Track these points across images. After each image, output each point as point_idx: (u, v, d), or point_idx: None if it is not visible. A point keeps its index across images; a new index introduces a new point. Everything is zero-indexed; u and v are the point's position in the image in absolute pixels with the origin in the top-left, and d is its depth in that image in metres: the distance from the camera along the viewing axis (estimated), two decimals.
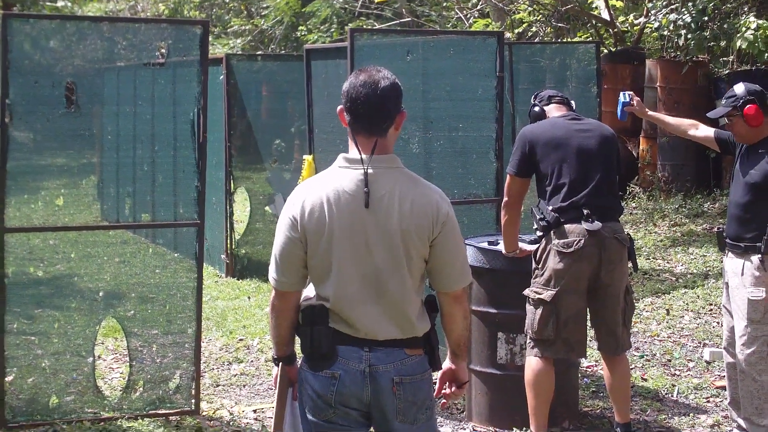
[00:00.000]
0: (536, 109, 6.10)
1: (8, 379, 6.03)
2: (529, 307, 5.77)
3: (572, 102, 6.20)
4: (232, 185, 10.69)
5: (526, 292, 5.79)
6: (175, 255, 7.00)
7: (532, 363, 5.74)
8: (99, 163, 7.42)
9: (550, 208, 5.71)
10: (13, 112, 5.80)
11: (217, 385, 7.13)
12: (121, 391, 6.50)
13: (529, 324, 5.75)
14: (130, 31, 6.40)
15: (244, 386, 7.06)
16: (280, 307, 3.67)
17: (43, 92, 6.05)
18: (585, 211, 5.62)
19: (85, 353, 6.27)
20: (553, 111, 6.03)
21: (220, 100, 10.33)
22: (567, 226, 5.63)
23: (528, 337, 5.80)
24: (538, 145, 5.81)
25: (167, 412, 6.37)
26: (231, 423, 6.32)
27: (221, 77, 10.32)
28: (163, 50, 6.35)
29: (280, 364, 3.75)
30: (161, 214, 7.23)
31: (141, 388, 6.38)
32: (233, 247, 10.78)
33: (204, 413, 6.48)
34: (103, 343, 7.71)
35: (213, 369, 7.48)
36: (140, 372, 6.41)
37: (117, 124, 7.19)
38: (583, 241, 5.58)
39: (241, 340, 8.20)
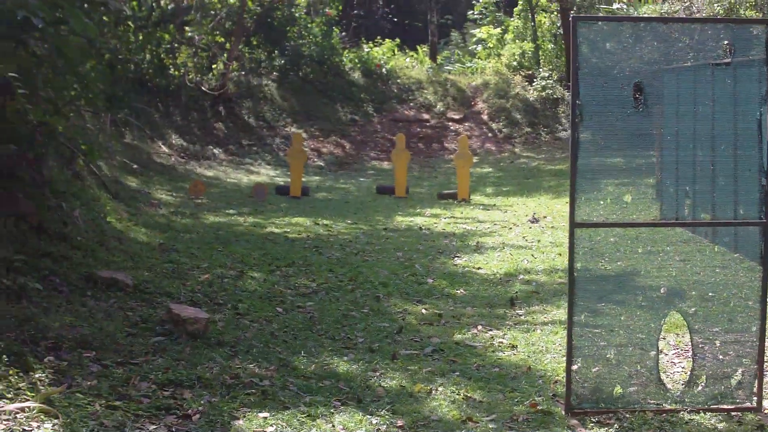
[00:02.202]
0: None
1: (574, 367, 6.39)
2: None
3: None
4: None
5: None
6: (735, 255, 6.96)
7: None
8: (659, 162, 7.53)
9: None
10: (583, 112, 6.15)
11: None
12: (683, 384, 6.63)
13: None
14: (686, 31, 6.48)
15: None
16: None
17: (611, 93, 6.29)
18: None
19: (648, 347, 6.47)
20: None
21: None
22: None
23: None
24: None
25: (728, 407, 6.41)
26: None
27: None
28: (727, 50, 6.35)
29: None
30: (721, 214, 7.23)
31: (703, 383, 6.47)
32: None
33: (766, 411, 6.44)
34: (664, 338, 7.86)
35: None
36: (702, 367, 6.50)
37: (676, 123, 7.27)
38: None
39: None
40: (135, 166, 18.47)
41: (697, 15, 25.84)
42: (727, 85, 6.86)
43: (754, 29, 6.37)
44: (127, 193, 15.23)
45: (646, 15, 26.26)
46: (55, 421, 5.48)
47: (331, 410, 6.27)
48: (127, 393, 6.22)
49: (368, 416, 6.18)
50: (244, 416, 6.05)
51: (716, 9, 24.73)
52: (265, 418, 6.05)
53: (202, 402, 6.22)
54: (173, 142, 23.19)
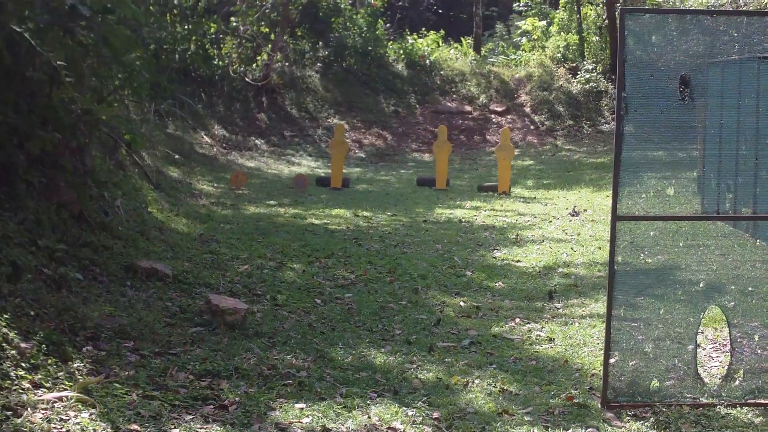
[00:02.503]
0: None
1: (612, 361, 6.36)
2: None
3: None
4: None
5: None
6: None
7: None
8: (701, 156, 7.46)
9: None
10: (628, 104, 6.11)
11: None
12: (720, 378, 6.58)
13: None
14: (733, 24, 6.40)
15: None
16: None
17: (656, 85, 6.24)
18: None
19: (686, 341, 6.43)
20: None
21: None
22: None
23: None
24: None
25: (766, 402, 6.35)
26: None
27: None
28: None
29: None
30: (763, 207, 7.15)
31: (740, 377, 6.42)
32: None
33: None
34: (703, 333, 7.80)
35: None
36: (740, 362, 6.45)
37: (720, 117, 7.20)
38: None
39: None
40: (177, 157, 18.60)
41: (744, 8, 25.58)
42: None
43: None
44: (168, 183, 15.34)
45: (692, 8, 26.02)
46: (93, 410, 5.54)
47: (368, 401, 6.29)
48: (164, 383, 6.28)
49: (404, 408, 6.19)
50: (281, 407, 6.08)
51: (763, 2, 24.46)
52: (302, 408, 6.08)
53: (238, 392, 6.26)
54: (215, 132, 23.32)
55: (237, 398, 6.14)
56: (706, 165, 9.90)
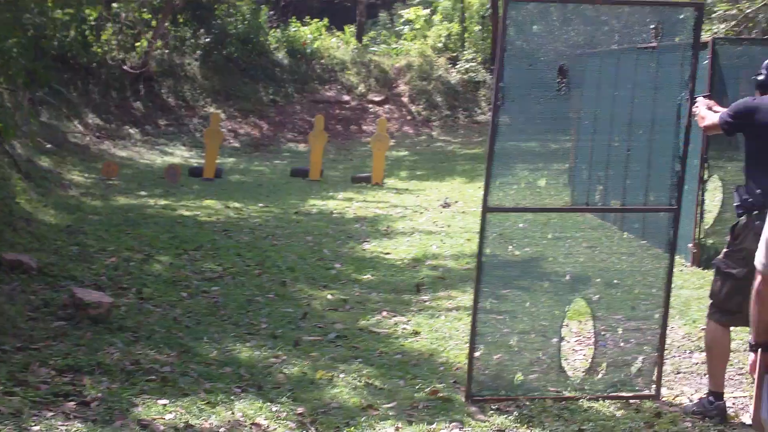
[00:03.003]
0: (762, 78, 5.90)
1: (476, 354, 6.38)
2: (717, 276, 6.06)
3: None
4: (706, 173, 10.52)
5: (717, 261, 6.08)
6: (642, 242, 7.04)
7: (711, 327, 6.12)
8: (574, 147, 7.52)
9: (759, 191, 5.70)
10: (505, 95, 6.07)
11: (678, 372, 7.11)
12: (583, 372, 6.69)
13: (715, 292, 6.05)
14: (614, 14, 6.40)
15: (705, 375, 6.95)
16: (765, 293, 3.69)
17: (534, 76, 6.20)
18: None
19: (550, 333, 6.51)
20: None
21: (701, 84, 10.16)
22: None
23: (711, 302, 6.08)
24: (758, 115, 5.73)
25: (628, 395, 6.48)
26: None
27: (705, 61, 10.17)
28: (656, 31, 6.33)
29: (759, 350, 3.73)
30: (632, 200, 7.27)
31: (603, 371, 6.54)
32: (701, 236, 10.60)
33: (663, 398, 6.52)
34: (567, 325, 7.93)
35: (674, 356, 7.45)
36: (603, 355, 6.57)
37: (595, 108, 7.25)
38: None
39: (703, 329, 8.08)
40: (49, 146, 18.12)
41: None
42: (650, 70, 6.87)
43: (681, 13, 6.33)
44: (38, 173, 14.93)
45: None
46: None
47: (231, 397, 6.20)
48: (25, 379, 6.10)
49: (268, 403, 6.12)
50: (143, 403, 5.96)
51: None
52: (165, 405, 5.96)
53: (101, 388, 6.12)
54: (89, 121, 22.80)
55: (99, 394, 5.99)
56: (578, 156, 10.07)
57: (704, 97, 6.51)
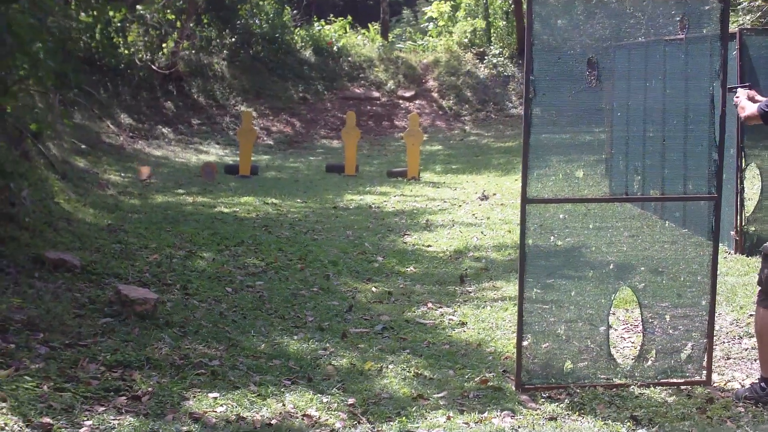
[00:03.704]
0: None
1: (524, 343, 6.40)
2: (764, 263, 6.06)
3: None
4: (743, 162, 10.50)
5: (764, 248, 6.09)
6: (684, 231, 7.01)
7: (761, 314, 6.07)
8: (609, 138, 7.52)
9: None
10: (536, 88, 6.13)
11: (728, 358, 7.08)
12: (632, 359, 6.68)
13: (763, 279, 6.05)
14: (638, 7, 6.45)
15: (755, 360, 6.92)
16: None
17: (562, 69, 6.26)
18: None
19: (598, 322, 6.50)
20: None
21: (731, 75, 10.14)
22: None
23: (760, 289, 6.06)
24: None
25: (678, 381, 6.47)
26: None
27: (734, 52, 10.15)
28: (682, 23, 6.34)
29: None
30: (670, 189, 7.25)
31: (652, 357, 6.52)
32: (742, 224, 10.57)
33: (715, 384, 6.51)
34: (614, 314, 7.91)
35: (724, 342, 7.43)
36: (652, 342, 6.55)
37: (627, 99, 7.25)
38: None
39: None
40: (83, 147, 18.23)
41: None
42: (679, 61, 6.86)
43: (707, 5, 6.36)
44: (75, 173, 15.03)
45: None
46: (3, 404, 5.40)
47: (282, 389, 6.24)
48: (75, 375, 6.14)
49: (319, 395, 6.16)
50: (194, 396, 6.00)
51: None
52: (215, 398, 6.00)
53: (151, 383, 6.16)
54: (122, 121, 22.92)
55: (150, 389, 6.03)
56: (614, 147, 10.03)
57: (745, 87, 6.52)
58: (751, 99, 6.39)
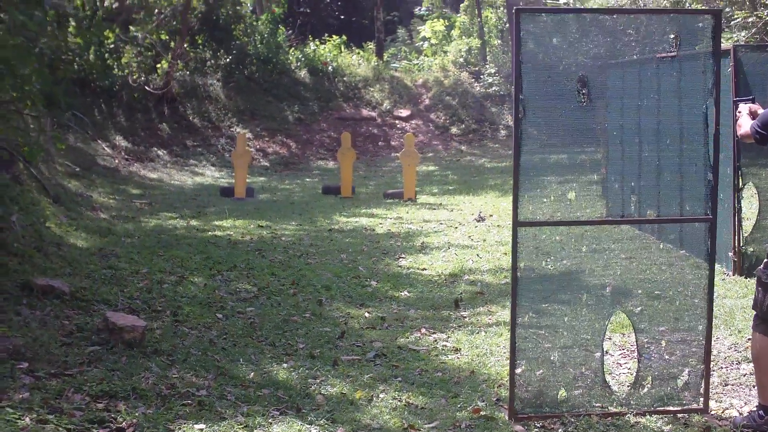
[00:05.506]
0: None
1: (518, 371, 6.24)
2: (759, 287, 5.94)
3: None
4: (740, 181, 10.38)
5: (758, 272, 5.95)
6: (681, 252, 6.88)
7: (757, 339, 5.94)
8: (604, 158, 7.40)
9: None
10: (526, 107, 5.99)
11: (726, 384, 6.94)
12: (628, 386, 6.52)
13: (758, 303, 5.92)
14: (632, 24, 6.32)
15: (754, 386, 6.78)
16: None
17: (555, 88, 6.10)
18: None
19: (593, 348, 6.36)
20: None
21: (725, 92, 10.05)
22: None
23: (756, 314, 5.95)
24: None
25: (675, 409, 6.31)
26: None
27: (729, 69, 10.07)
28: (675, 40, 6.23)
29: None
30: (666, 210, 7.13)
31: (649, 384, 6.37)
32: (741, 244, 10.44)
33: (712, 412, 6.35)
34: (610, 339, 7.78)
35: (722, 367, 7.29)
36: (648, 368, 6.40)
37: (621, 118, 7.15)
38: None
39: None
40: (77, 169, 18.13)
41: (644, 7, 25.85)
42: (672, 79, 6.75)
43: (700, 21, 6.24)
44: (68, 196, 14.91)
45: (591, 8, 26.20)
46: None
47: (269, 420, 6.10)
48: (59, 406, 6.00)
49: (307, 425, 6.02)
50: (179, 428, 5.86)
51: (662, 2, 24.90)
52: (201, 429, 5.87)
53: (136, 414, 6.02)
54: (117, 143, 22.84)
55: (134, 420, 5.89)
56: (609, 167, 9.94)
57: (749, 101, 6.36)
58: (754, 113, 6.24)
